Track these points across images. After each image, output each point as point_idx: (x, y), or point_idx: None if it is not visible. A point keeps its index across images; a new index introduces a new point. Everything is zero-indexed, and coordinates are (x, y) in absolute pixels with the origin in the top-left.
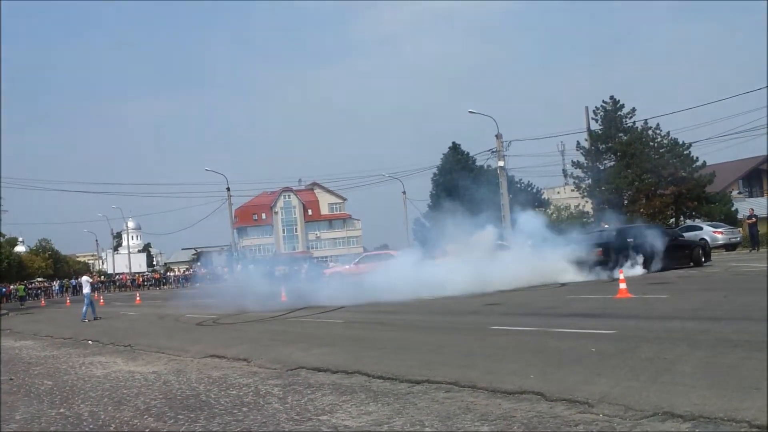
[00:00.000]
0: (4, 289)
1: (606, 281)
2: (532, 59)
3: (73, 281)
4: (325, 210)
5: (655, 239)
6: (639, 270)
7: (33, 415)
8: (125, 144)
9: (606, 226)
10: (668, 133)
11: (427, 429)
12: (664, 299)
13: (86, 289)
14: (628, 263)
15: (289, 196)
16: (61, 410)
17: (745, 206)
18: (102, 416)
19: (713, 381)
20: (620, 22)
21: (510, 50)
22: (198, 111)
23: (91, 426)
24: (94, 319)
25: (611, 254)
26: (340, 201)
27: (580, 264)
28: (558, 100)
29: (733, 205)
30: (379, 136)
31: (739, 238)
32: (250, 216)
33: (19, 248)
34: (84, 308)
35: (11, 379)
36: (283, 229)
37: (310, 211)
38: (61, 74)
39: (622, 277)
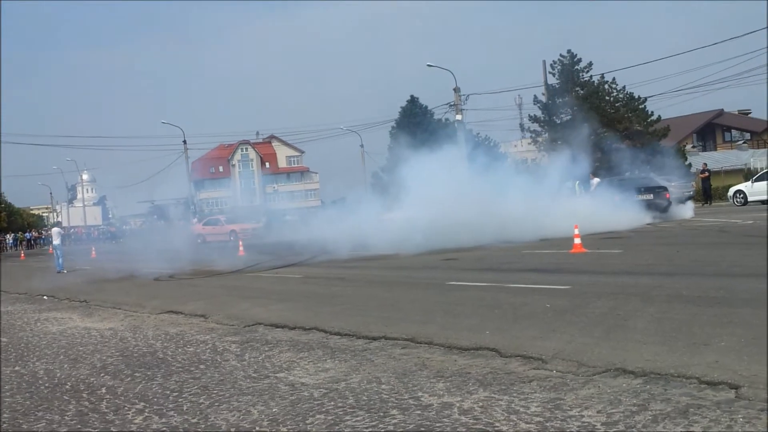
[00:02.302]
0: None
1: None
2: (489, 8)
3: (28, 234)
4: (283, 163)
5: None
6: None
7: None
8: (80, 95)
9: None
10: (624, 87)
11: (383, 386)
12: (618, 254)
13: (56, 240)
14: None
15: (246, 149)
16: (17, 368)
17: (698, 160)
18: (58, 374)
19: (665, 337)
20: None
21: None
22: (155, 61)
23: (46, 384)
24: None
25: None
26: (298, 154)
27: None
28: (515, 53)
29: (686, 159)
30: (337, 88)
31: (692, 193)
32: (207, 169)
33: None
34: (58, 260)
35: None
36: (241, 182)
37: (267, 164)
38: (18, 21)
39: (576, 232)
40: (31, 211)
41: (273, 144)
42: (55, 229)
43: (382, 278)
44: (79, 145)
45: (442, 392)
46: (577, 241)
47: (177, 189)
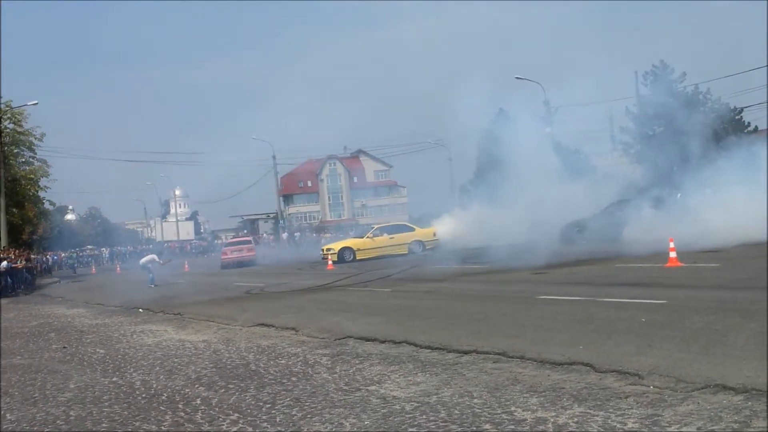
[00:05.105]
0: (55, 257)
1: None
2: (578, 22)
3: (123, 248)
4: (370, 177)
5: None
6: None
7: (87, 384)
8: (173, 113)
9: None
10: (719, 98)
11: (475, 400)
12: (716, 268)
13: (143, 260)
14: None
15: (334, 163)
16: (114, 379)
17: None
18: (154, 385)
19: (766, 353)
20: None
21: (555, 14)
22: (244, 78)
23: (143, 395)
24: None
25: None
26: (385, 168)
27: None
28: (606, 64)
29: None
30: (424, 102)
31: None
32: (296, 184)
33: (69, 216)
34: (150, 275)
35: (65, 347)
36: (329, 197)
37: (355, 179)
38: (107, 42)
39: (672, 245)
40: (127, 227)
41: (361, 158)
42: (150, 256)
43: (471, 292)
44: (174, 161)
45: (535, 407)
46: (673, 254)
47: (267, 203)
